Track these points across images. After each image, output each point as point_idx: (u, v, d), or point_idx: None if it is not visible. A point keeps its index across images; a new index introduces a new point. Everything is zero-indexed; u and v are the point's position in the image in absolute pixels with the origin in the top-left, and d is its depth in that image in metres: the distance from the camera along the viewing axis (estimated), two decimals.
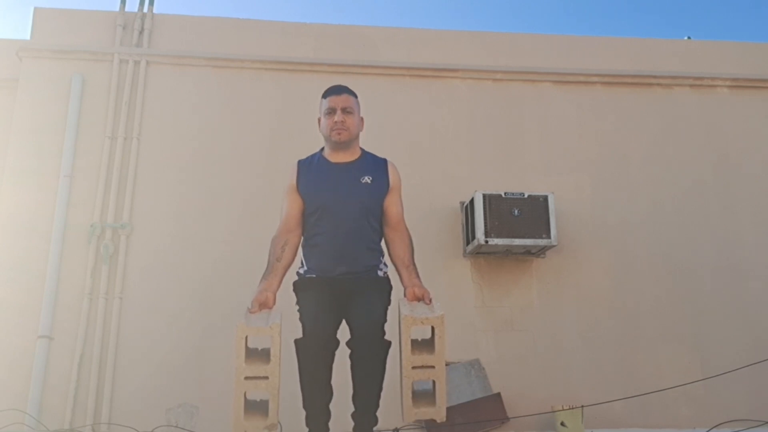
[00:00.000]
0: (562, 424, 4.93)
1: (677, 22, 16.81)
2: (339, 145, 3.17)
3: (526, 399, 5.18)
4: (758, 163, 6.06)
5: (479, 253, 5.49)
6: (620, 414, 5.19)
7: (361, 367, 2.98)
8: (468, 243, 5.42)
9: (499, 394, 5.11)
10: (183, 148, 5.66)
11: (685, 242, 5.77)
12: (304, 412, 3.09)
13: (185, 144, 5.67)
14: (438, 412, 2.93)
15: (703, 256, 5.75)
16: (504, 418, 5.05)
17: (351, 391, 3.04)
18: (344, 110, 3.15)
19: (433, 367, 2.90)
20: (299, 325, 2.99)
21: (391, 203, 3.22)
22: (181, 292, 5.29)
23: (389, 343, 3.01)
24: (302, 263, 3.23)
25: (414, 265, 3.19)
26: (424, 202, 5.53)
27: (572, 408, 4.94)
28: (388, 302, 3.15)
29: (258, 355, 2.86)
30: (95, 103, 5.68)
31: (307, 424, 3.08)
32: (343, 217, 3.12)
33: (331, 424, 3.08)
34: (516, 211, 5.24)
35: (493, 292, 5.52)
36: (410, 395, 2.93)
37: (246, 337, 2.81)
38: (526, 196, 5.31)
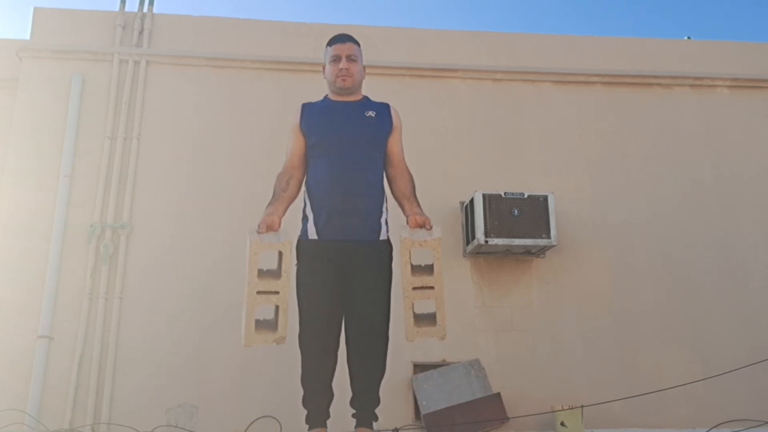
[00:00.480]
0: (562, 424, 4.93)
1: (677, 22, 16.82)
2: (343, 91, 3.29)
3: (526, 399, 5.18)
4: (758, 163, 6.06)
5: (479, 253, 5.49)
6: (620, 414, 5.18)
7: (362, 360, 3.07)
8: (468, 243, 5.42)
9: (499, 394, 5.11)
10: (183, 148, 5.66)
11: (684, 242, 5.77)
12: (303, 414, 3.10)
13: (185, 144, 5.67)
14: (438, 331, 3.05)
15: (703, 255, 5.75)
16: (504, 418, 5.05)
17: (349, 394, 3.06)
18: (348, 58, 3.28)
19: (432, 287, 3.03)
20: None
21: (393, 143, 3.32)
22: (181, 292, 5.30)
23: (388, 338, 3.06)
24: (304, 214, 3.21)
25: (415, 197, 3.31)
26: (424, 202, 5.39)
27: (572, 408, 4.94)
28: (391, 275, 3.16)
29: (267, 273, 2.97)
30: (95, 103, 5.68)
31: (307, 421, 3.08)
32: (349, 146, 3.18)
33: (331, 425, 3.08)
34: (516, 211, 5.24)
35: (493, 292, 5.52)
36: (411, 315, 3.04)
37: (258, 254, 2.93)
38: (526, 196, 5.30)
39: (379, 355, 3.08)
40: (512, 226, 5.22)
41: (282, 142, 5.54)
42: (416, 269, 3.07)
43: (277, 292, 2.94)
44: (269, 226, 3.04)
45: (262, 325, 2.99)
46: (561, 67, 6.13)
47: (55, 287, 5.19)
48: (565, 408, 4.96)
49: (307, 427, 3.10)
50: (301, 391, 3.14)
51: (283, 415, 4.87)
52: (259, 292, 2.93)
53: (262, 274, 2.95)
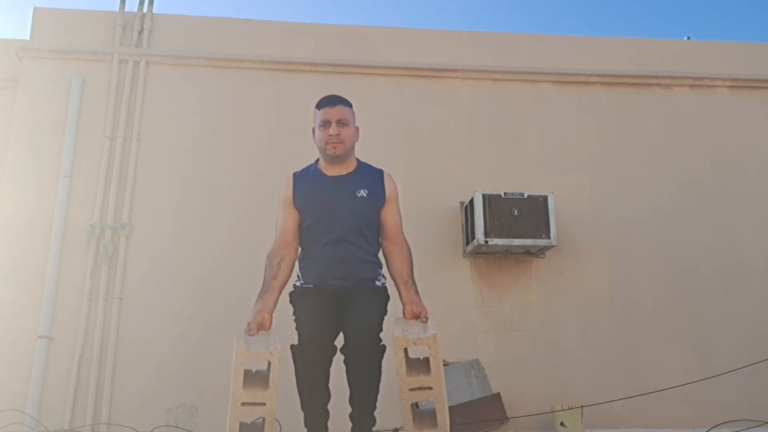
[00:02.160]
0: (562, 424, 4.92)
1: (677, 22, 16.82)
2: (334, 159, 3.14)
3: (526, 399, 5.18)
4: (758, 163, 6.06)
5: (479, 253, 5.49)
6: (620, 414, 5.18)
7: (357, 372, 2.97)
8: (468, 243, 5.42)
9: (498, 394, 5.11)
10: (183, 148, 5.66)
11: (684, 242, 5.77)
12: (303, 414, 3.09)
13: (185, 144, 5.67)
14: None
15: (703, 255, 5.75)
16: (504, 418, 5.05)
17: (348, 393, 3.04)
18: (339, 122, 3.11)
19: (430, 388, 2.87)
20: (296, 333, 2.98)
21: (387, 215, 3.19)
22: (181, 293, 5.29)
23: (384, 348, 2.99)
24: (299, 277, 3.20)
25: (413, 280, 3.15)
26: (424, 202, 5.54)
27: (572, 408, 4.93)
28: (385, 311, 3.11)
29: (254, 378, 2.82)
30: (95, 103, 5.67)
31: (306, 425, 3.08)
32: (340, 232, 3.09)
33: (331, 425, 3.08)
34: (516, 211, 5.24)
35: (492, 292, 5.52)
36: (411, 417, 2.90)
37: (243, 364, 2.76)
38: (525, 196, 5.30)
39: (375, 366, 2.99)
40: (512, 227, 5.22)
41: (281, 142, 5.54)
42: (413, 366, 2.91)
43: (263, 404, 2.77)
44: (260, 326, 2.92)
45: (249, 428, 2.86)
46: (561, 67, 6.13)
47: (54, 287, 5.19)
48: (564, 408, 4.96)
49: (305, 430, 3.09)
50: (298, 395, 3.12)
51: (284, 416, 4.86)
52: (243, 404, 2.76)
53: (248, 380, 2.78)
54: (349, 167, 3.19)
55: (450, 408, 5.00)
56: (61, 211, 5.34)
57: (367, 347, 2.94)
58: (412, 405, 2.91)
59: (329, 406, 3.12)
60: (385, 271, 3.22)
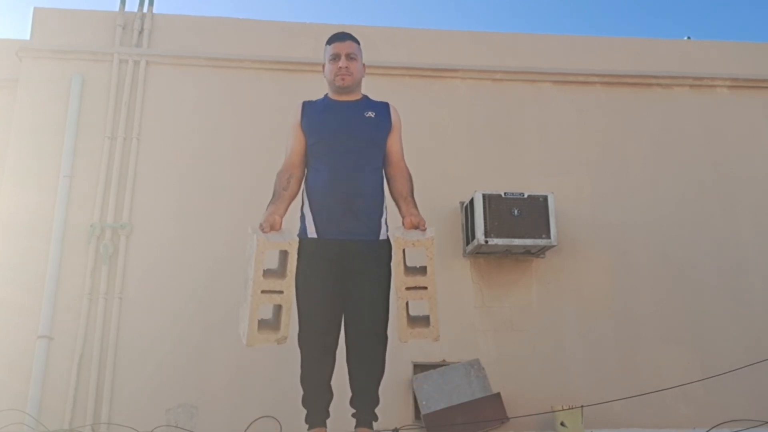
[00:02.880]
0: (562, 424, 4.93)
1: (677, 22, 16.82)
2: (343, 90, 3.29)
3: (526, 399, 5.18)
4: (758, 164, 6.06)
5: (479, 253, 5.49)
6: (620, 414, 5.18)
7: (360, 361, 3.07)
8: (468, 243, 5.42)
9: (498, 394, 5.11)
10: (183, 148, 5.66)
11: (684, 242, 5.77)
12: (303, 414, 3.10)
13: (185, 144, 5.67)
14: (432, 332, 3.05)
15: (703, 256, 5.75)
16: (504, 418, 5.05)
17: (349, 393, 3.06)
18: (348, 56, 3.28)
19: (425, 288, 3.02)
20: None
21: (393, 142, 3.34)
22: (181, 293, 5.29)
23: (387, 338, 3.05)
24: (302, 215, 3.21)
25: (413, 198, 3.31)
26: (424, 202, 5.42)
27: (572, 408, 4.94)
28: (389, 276, 3.15)
29: (271, 272, 2.96)
30: (95, 103, 5.67)
31: (307, 421, 3.09)
32: (349, 147, 3.19)
33: (331, 425, 3.09)
34: (516, 211, 5.24)
35: (492, 292, 5.52)
36: (405, 316, 3.03)
37: (264, 252, 2.92)
38: (525, 196, 5.30)
39: (378, 355, 3.10)
40: (512, 226, 5.21)
41: (282, 142, 5.54)
42: (410, 270, 3.06)
43: (281, 292, 2.93)
44: (272, 226, 3.05)
45: (263, 324, 2.98)
46: (561, 67, 6.13)
47: (54, 287, 5.19)
48: (564, 408, 4.96)
49: (306, 426, 3.10)
50: (301, 391, 3.14)
51: (283, 415, 4.87)
52: (263, 291, 2.92)
53: (266, 273, 2.94)
54: (356, 96, 3.35)
55: (450, 408, 5.05)
56: (61, 211, 5.34)
57: (373, 340, 3.03)
58: (406, 305, 3.03)
59: (330, 408, 3.14)
60: (386, 214, 3.27)
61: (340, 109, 3.28)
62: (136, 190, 5.51)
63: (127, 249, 5.36)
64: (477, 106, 6.00)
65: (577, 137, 5.99)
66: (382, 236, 3.19)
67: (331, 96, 3.36)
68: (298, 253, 3.12)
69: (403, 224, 3.20)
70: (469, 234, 5.37)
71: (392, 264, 3.03)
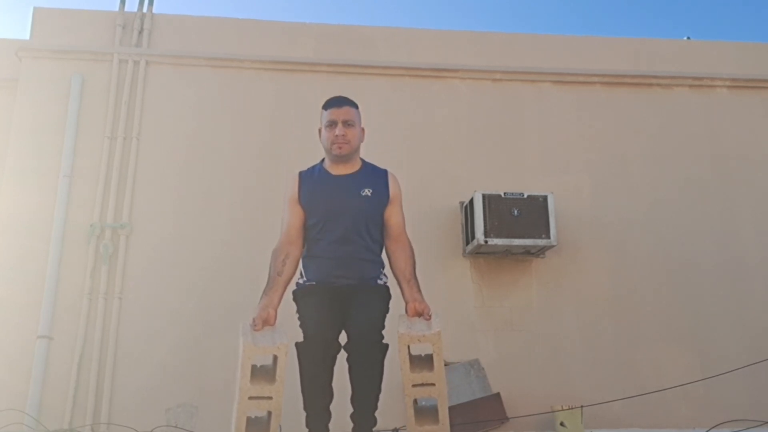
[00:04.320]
0: (562, 424, 4.92)
1: (677, 22, 16.82)
2: (340, 159, 3.18)
3: (526, 399, 5.18)
4: (757, 163, 6.06)
5: (479, 253, 5.49)
6: (620, 414, 5.18)
7: (359, 369, 2.98)
8: (467, 243, 5.42)
9: (498, 394, 5.11)
10: (182, 148, 5.66)
11: (684, 242, 5.77)
12: (304, 414, 3.09)
13: (185, 144, 5.67)
14: (441, 429, 2.93)
15: (703, 255, 5.75)
16: (503, 418, 5.05)
17: (350, 393, 3.05)
18: (345, 123, 3.15)
19: (433, 384, 2.92)
20: (300, 331, 2.99)
21: (391, 214, 3.22)
22: (181, 292, 5.29)
23: (387, 346, 3.01)
24: (302, 274, 3.22)
25: (415, 278, 3.18)
26: (424, 202, 5.53)
27: (572, 408, 4.93)
28: (387, 309, 3.14)
29: (260, 372, 2.85)
30: (95, 103, 5.67)
31: (308, 425, 3.08)
32: (344, 229, 3.12)
33: (331, 425, 3.08)
34: (515, 211, 5.24)
35: (492, 293, 5.52)
36: (413, 413, 2.95)
37: (251, 358, 2.80)
38: (525, 196, 5.30)
39: (377, 365, 3.00)
40: (512, 226, 5.21)
41: (280, 142, 5.54)
42: (415, 363, 2.97)
43: (270, 398, 2.83)
44: (265, 321, 2.96)
45: (253, 423, 2.89)
46: (561, 67, 6.13)
47: (54, 287, 5.19)
48: (564, 408, 4.96)
49: (306, 429, 3.10)
50: (302, 394, 3.13)
51: (283, 415, 4.86)
52: (251, 398, 2.82)
53: (254, 374, 2.83)
54: (354, 167, 3.23)
55: (450, 408, 5.01)
56: (61, 211, 5.34)
57: (369, 345, 2.97)
58: (414, 401, 2.94)
59: (331, 408, 3.13)
60: (387, 271, 3.24)
61: (337, 186, 3.18)
62: (136, 190, 5.51)
63: (126, 249, 5.36)
64: (477, 106, 6.00)
65: (577, 137, 5.99)
66: (381, 284, 3.20)
67: (328, 166, 3.24)
68: (298, 294, 3.10)
69: (406, 310, 3.11)
70: (469, 234, 5.37)
71: (399, 360, 2.93)
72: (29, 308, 5.12)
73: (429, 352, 2.93)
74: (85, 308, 5.19)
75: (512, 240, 5.21)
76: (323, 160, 3.29)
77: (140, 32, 5.91)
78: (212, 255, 5.38)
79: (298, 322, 3.06)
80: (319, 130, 3.24)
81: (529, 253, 5.49)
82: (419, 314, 3.06)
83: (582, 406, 4.93)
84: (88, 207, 5.42)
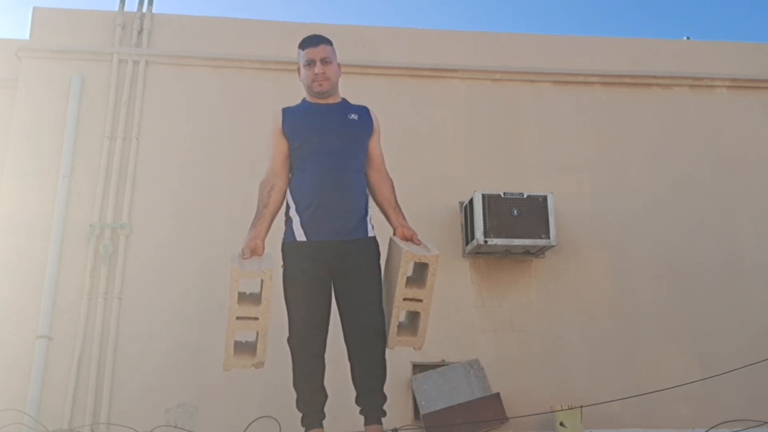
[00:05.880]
0: (562, 424, 4.92)
1: (676, 22, 16.83)
2: (321, 95, 3.30)
3: (526, 399, 5.18)
4: (757, 164, 6.06)
5: (478, 254, 5.49)
6: (619, 414, 5.18)
7: (364, 360, 3.11)
8: (467, 243, 5.42)
9: (498, 395, 5.11)
10: (182, 148, 5.66)
11: (684, 242, 5.77)
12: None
13: (184, 144, 5.67)
14: (418, 341, 3.19)
15: (703, 256, 5.75)
16: (503, 419, 5.04)
17: (345, 392, 3.08)
18: (323, 60, 3.28)
19: (421, 300, 3.14)
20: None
21: (375, 145, 3.37)
22: (181, 292, 5.29)
23: (386, 335, 3.13)
24: (289, 218, 3.22)
25: (399, 206, 3.33)
26: (423, 202, 5.53)
27: (571, 408, 4.93)
28: (380, 273, 3.22)
29: (249, 298, 3.02)
30: (94, 103, 5.67)
31: (303, 424, 3.10)
32: (333, 147, 3.20)
33: (335, 423, 3.10)
34: (515, 212, 5.24)
35: (492, 293, 5.52)
36: (396, 324, 3.16)
37: (238, 281, 2.98)
38: (525, 196, 5.30)
39: (379, 352, 3.14)
40: (512, 227, 5.21)
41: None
42: (410, 281, 3.15)
43: (256, 318, 2.98)
44: (253, 251, 3.09)
45: (241, 347, 3.05)
46: (560, 67, 6.12)
47: (54, 287, 5.19)
48: (564, 408, 4.95)
49: (303, 429, 3.11)
50: (293, 376, 3.17)
51: (283, 415, 4.86)
52: (238, 318, 2.97)
53: (242, 299, 2.99)
54: (336, 99, 3.37)
55: (449, 408, 5.05)
56: (60, 211, 5.34)
57: (374, 339, 3.09)
58: (399, 315, 3.16)
59: (331, 407, 3.15)
60: (371, 212, 3.30)
61: (323, 111, 3.30)
62: (136, 190, 5.51)
63: (126, 249, 5.36)
64: (476, 106, 5.99)
65: (577, 137, 5.99)
66: (370, 233, 3.23)
67: (310, 100, 3.37)
68: (286, 256, 3.17)
69: (395, 234, 3.26)
70: (469, 234, 5.37)
71: (398, 275, 3.08)
72: (28, 308, 5.12)
73: (410, 274, 3.15)
74: (85, 308, 5.19)
75: (512, 240, 5.21)
76: (304, 99, 3.39)
77: (140, 32, 5.91)
78: (212, 255, 5.37)
79: (282, 286, 3.12)
80: (298, 70, 3.36)
81: (528, 253, 5.49)
82: (407, 239, 3.21)
83: (582, 406, 4.93)
84: (87, 207, 5.41)
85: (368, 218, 3.24)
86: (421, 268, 3.17)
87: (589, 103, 6.10)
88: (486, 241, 5.18)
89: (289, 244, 3.19)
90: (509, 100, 6.04)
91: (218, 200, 5.54)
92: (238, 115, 5.79)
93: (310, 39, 3.34)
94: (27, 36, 5.84)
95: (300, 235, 3.14)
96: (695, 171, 5.98)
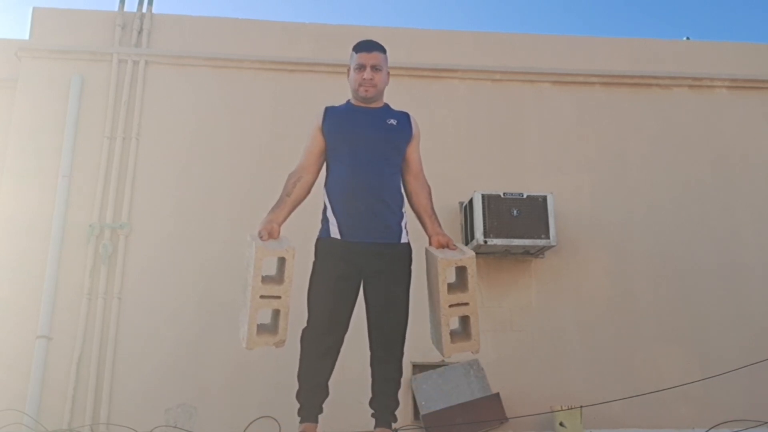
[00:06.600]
0: (561, 424, 4.92)
1: (676, 22, 16.83)
2: (366, 100, 3.32)
3: (525, 399, 5.18)
4: (756, 164, 6.06)
5: (478, 254, 5.46)
6: (619, 414, 5.18)
7: (386, 367, 3.15)
8: (467, 243, 5.42)
9: (498, 395, 5.11)
10: (182, 148, 5.66)
11: (683, 242, 5.77)
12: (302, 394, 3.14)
13: (184, 144, 5.67)
14: (473, 345, 3.21)
15: (702, 256, 5.75)
16: (503, 419, 5.05)
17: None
18: (373, 67, 3.29)
19: (467, 303, 3.18)
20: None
21: (413, 151, 3.37)
22: (180, 292, 5.29)
23: (405, 340, 3.16)
24: (325, 218, 3.23)
25: (435, 214, 3.36)
26: None
27: (571, 408, 4.93)
28: (410, 279, 3.23)
29: (269, 278, 3.06)
30: (94, 103, 5.67)
31: (300, 414, 3.12)
32: (370, 148, 3.21)
33: (339, 423, 3.10)
34: (515, 212, 5.24)
35: (492, 293, 5.52)
36: (448, 332, 3.17)
37: (262, 260, 3.00)
38: (525, 196, 5.30)
39: (398, 357, 3.17)
40: (511, 227, 5.22)
41: (281, 142, 5.55)
42: (452, 287, 3.18)
43: (278, 297, 3.01)
44: (270, 234, 3.09)
45: (262, 328, 3.06)
46: (560, 67, 6.13)
47: (54, 287, 5.19)
48: (564, 408, 4.96)
49: (298, 420, 3.13)
50: (297, 385, 3.17)
51: (283, 416, 4.87)
52: (262, 297, 3.00)
53: (264, 279, 3.02)
54: (378, 105, 3.39)
55: (449, 408, 5.05)
56: (60, 211, 5.34)
57: (394, 342, 3.13)
58: (449, 322, 3.18)
59: (332, 405, 3.17)
60: (406, 218, 3.30)
61: (363, 113, 3.31)
62: (135, 190, 5.51)
63: (126, 249, 5.36)
64: (476, 107, 6.00)
65: (577, 137, 5.99)
66: (403, 239, 3.22)
67: (354, 103, 3.38)
68: (318, 251, 3.19)
69: (430, 243, 3.28)
70: (469, 234, 5.37)
71: (438, 283, 3.11)
72: (28, 308, 5.12)
73: (452, 280, 3.19)
74: (85, 308, 5.19)
75: (512, 240, 5.21)
76: (348, 101, 3.40)
77: (140, 32, 5.91)
78: (211, 254, 5.38)
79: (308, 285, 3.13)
80: (348, 71, 3.38)
81: (528, 253, 5.49)
82: (444, 246, 3.22)
83: (581, 406, 4.93)
84: (87, 207, 5.42)
85: (403, 223, 3.24)
86: (460, 273, 3.20)
87: (589, 103, 6.10)
88: (486, 241, 5.18)
89: (323, 240, 3.20)
90: (509, 100, 6.04)
91: (218, 200, 5.54)
92: (238, 115, 5.79)
93: (365, 43, 3.36)
94: (27, 36, 5.84)
95: (335, 233, 3.16)
96: (695, 171, 5.98)
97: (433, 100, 5.96)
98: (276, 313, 3.05)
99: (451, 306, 3.13)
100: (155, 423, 4.94)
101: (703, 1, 17.46)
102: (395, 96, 5.81)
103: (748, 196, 5.95)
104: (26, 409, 4.88)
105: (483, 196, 5.25)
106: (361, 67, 3.29)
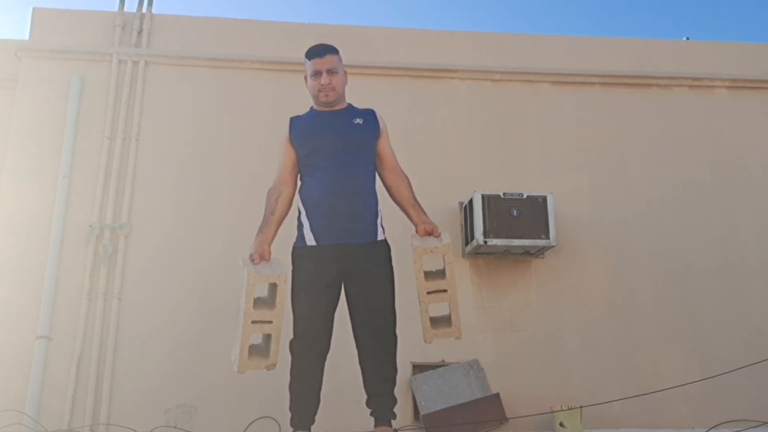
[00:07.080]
0: (561, 424, 4.92)
1: (676, 22, 16.83)
2: (328, 104, 3.34)
3: (525, 399, 5.18)
4: (757, 164, 6.06)
5: (478, 254, 5.49)
6: (619, 414, 5.18)
7: (376, 365, 3.15)
8: (467, 243, 5.42)
9: (497, 395, 5.11)
10: (182, 149, 5.66)
11: (683, 242, 5.77)
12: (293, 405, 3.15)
13: (184, 144, 5.67)
14: (454, 331, 3.26)
15: (702, 256, 5.75)
16: (503, 419, 5.05)
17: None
18: (329, 71, 3.31)
19: (445, 290, 3.21)
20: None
21: (384, 146, 3.39)
22: (180, 293, 5.29)
23: (396, 337, 3.16)
24: (300, 224, 3.23)
25: (418, 203, 3.39)
26: (423, 203, 5.37)
27: (571, 408, 4.93)
28: (392, 275, 3.23)
29: (262, 302, 3.09)
30: (94, 103, 5.67)
31: (292, 424, 3.12)
32: (340, 152, 3.23)
33: (327, 425, 3.11)
34: (515, 212, 5.23)
35: (492, 293, 5.52)
36: (428, 318, 3.21)
37: (255, 285, 3.05)
38: (525, 196, 5.30)
39: (392, 355, 3.18)
40: (511, 227, 5.21)
41: (280, 143, 5.54)
42: (429, 275, 3.20)
43: (270, 322, 3.05)
44: (261, 256, 3.13)
45: (254, 350, 3.10)
46: (560, 67, 6.12)
47: (53, 287, 5.19)
48: (564, 408, 4.96)
49: (291, 430, 3.14)
50: (289, 378, 3.19)
51: (283, 416, 4.82)
52: (254, 322, 3.04)
53: (256, 303, 3.06)
54: (342, 106, 3.40)
55: (449, 408, 5.05)
56: (60, 211, 5.34)
57: (381, 340, 3.13)
58: (428, 309, 3.20)
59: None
60: (381, 216, 3.31)
61: (328, 118, 3.33)
62: (135, 190, 5.51)
63: (126, 249, 5.36)
64: (476, 107, 5.99)
65: (577, 137, 5.99)
66: (380, 237, 3.22)
67: (317, 108, 3.40)
68: (296, 260, 3.20)
69: (416, 232, 3.30)
70: (468, 234, 5.37)
71: (413, 271, 3.13)
72: (28, 308, 5.12)
73: (441, 267, 3.22)
74: (85, 308, 5.19)
75: (511, 240, 5.21)
76: (312, 107, 3.42)
77: (139, 32, 5.91)
78: (211, 255, 5.38)
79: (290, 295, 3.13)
80: (305, 78, 3.39)
81: (528, 253, 5.49)
82: (429, 234, 3.27)
83: (581, 407, 4.93)
84: (87, 207, 5.41)
85: (379, 221, 3.26)
86: (439, 260, 3.20)
87: (588, 103, 6.10)
88: (486, 242, 5.18)
89: (299, 248, 3.22)
90: (509, 100, 6.04)
91: (218, 200, 5.54)
92: (238, 115, 5.79)
93: (316, 49, 3.36)
94: (27, 36, 5.84)
95: (310, 240, 3.17)
96: (695, 171, 5.98)
97: (433, 101, 5.96)
98: (267, 337, 3.08)
99: (429, 293, 3.16)
100: (155, 423, 4.94)
101: (703, 1, 17.46)
102: (395, 96, 5.87)
103: (748, 196, 5.95)
104: (26, 410, 4.88)
105: (483, 196, 5.25)
106: (317, 74, 3.31)
